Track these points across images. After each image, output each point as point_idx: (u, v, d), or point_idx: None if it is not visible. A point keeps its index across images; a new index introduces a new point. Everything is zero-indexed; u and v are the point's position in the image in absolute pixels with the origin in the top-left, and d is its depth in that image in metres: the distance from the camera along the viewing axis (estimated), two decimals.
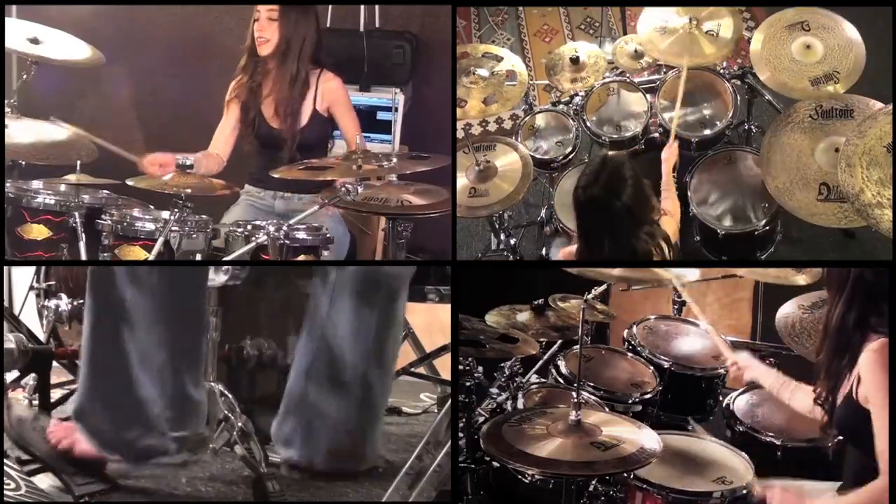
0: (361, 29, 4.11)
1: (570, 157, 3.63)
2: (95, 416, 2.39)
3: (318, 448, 2.64)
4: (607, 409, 2.68)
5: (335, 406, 2.64)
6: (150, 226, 2.79)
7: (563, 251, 2.80)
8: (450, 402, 2.49)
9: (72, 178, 2.94)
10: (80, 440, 2.43)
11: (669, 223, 2.68)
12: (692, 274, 2.93)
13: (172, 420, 2.40)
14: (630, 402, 2.80)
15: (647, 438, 2.15)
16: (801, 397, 2.37)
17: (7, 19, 3.37)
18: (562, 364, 2.92)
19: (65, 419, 2.62)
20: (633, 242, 2.43)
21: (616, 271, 2.62)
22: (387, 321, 2.69)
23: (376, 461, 2.71)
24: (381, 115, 4.04)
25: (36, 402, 2.83)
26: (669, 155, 3.05)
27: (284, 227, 2.77)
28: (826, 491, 2.19)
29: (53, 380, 2.92)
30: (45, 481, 2.41)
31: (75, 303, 2.90)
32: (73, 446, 2.44)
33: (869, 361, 2.02)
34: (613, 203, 2.38)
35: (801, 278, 2.97)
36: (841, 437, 2.34)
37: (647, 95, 3.61)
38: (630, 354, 3.04)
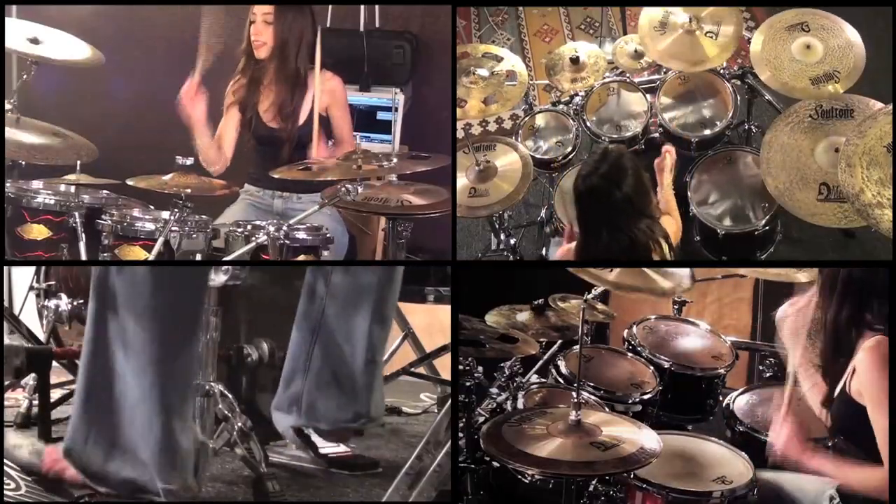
0: (361, 29, 4.11)
1: (570, 156, 3.63)
2: (86, 457, 2.35)
3: (321, 409, 2.71)
4: (607, 409, 2.68)
5: (336, 366, 2.73)
6: (150, 226, 2.79)
7: (560, 249, 2.80)
8: (450, 402, 2.49)
9: (72, 178, 2.94)
10: (69, 467, 2.40)
11: (670, 223, 2.68)
12: (686, 281, 2.92)
13: (162, 468, 2.32)
14: (630, 402, 2.80)
15: (647, 438, 2.15)
16: (816, 394, 2.34)
17: (7, 19, 3.37)
18: (562, 364, 2.92)
19: (57, 439, 2.62)
20: (633, 233, 2.43)
21: (611, 277, 2.61)
22: (385, 281, 2.79)
23: (380, 418, 2.79)
24: (381, 115, 4.04)
25: (36, 402, 2.83)
26: (661, 164, 2.92)
27: (284, 227, 2.77)
28: (824, 486, 2.18)
29: (53, 380, 2.92)
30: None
31: (75, 303, 2.90)
32: (63, 473, 2.41)
33: (865, 357, 2.02)
34: (614, 192, 2.39)
35: (803, 276, 2.97)
36: (841, 436, 2.34)
37: (647, 95, 3.61)
38: (630, 354, 3.04)
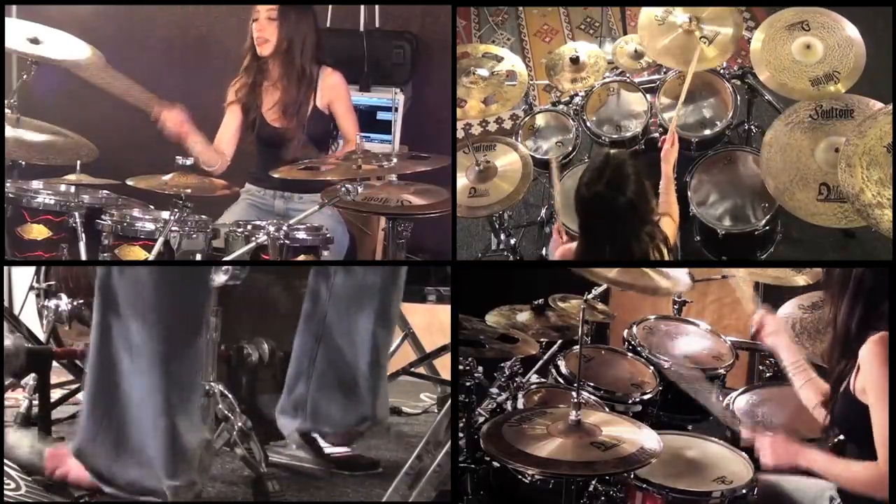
0: (361, 29, 4.12)
1: (571, 157, 3.63)
2: (95, 457, 2.35)
3: (326, 413, 2.72)
4: (607, 409, 2.68)
5: (341, 370, 2.74)
6: (150, 226, 2.79)
7: (560, 249, 2.80)
8: (450, 402, 2.49)
9: (72, 178, 2.94)
10: (74, 468, 2.40)
11: (669, 225, 2.68)
12: (685, 283, 2.92)
13: (168, 465, 2.33)
14: (630, 402, 2.80)
15: (647, 438, 2.15)
16: (810, 389, 2.34)
17: (7, 19, 3.37)
18: (562, 364, 2.92)
19: (59, 439, 2.62)
20: (634, 241, 2.43)
21: (612, 274, 2.61)
22: (389, 285, 2.79)
23: (385, 421, 2.81)
24: (381, 115, 4.04)
25: (36, 403, 2.83)
26: (666, 154, 3.02)
27: (284, 227, 2.77)
28: (825, 488, 2.18)
29: (53, 380, 2.92)
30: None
31: (75, 303, 2.90)
32: (67, 475, 2.41)
33: (868, 353, 2.02)
34: (618, 199, 2.39)
35: (801, 279, 2.97)
36: (842, 437, 2.34)
37: (647, 95, 3.61)
38: (630, 354, 3.04)
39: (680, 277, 2.73)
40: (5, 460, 2.46)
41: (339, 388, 2.78)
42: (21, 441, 2.57)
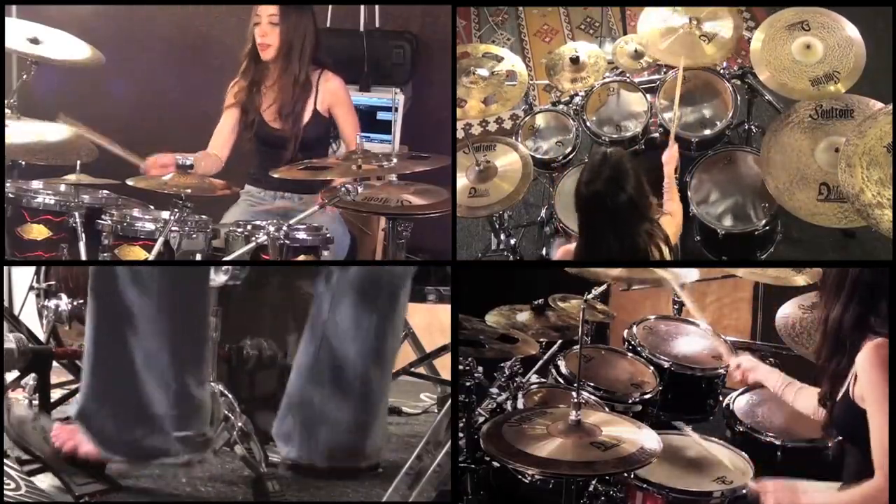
0: (361, 29, 4.11)
1: (570, 157, 3.63)
2: (98, 418, 2.37)
3: (317, 446, 2.64)
4: (607, 409, 2.68)
5: (335, 405, 2.64)
6: (150, 226, 2.79)
7: (561, 250, 2.80)
8: (450, 402, 2.49)
9: (72, 178, 2.93)
10: (84, 442, 2.42)
11: (670, 224, 2.68)
12: (691, 275, 2.94)
13: (176, 419, 2.38)
14: (630, 402, 2.80)
15: (647, 438, 2.15)
16: (805, 398, 2.37)
17: (7, 19, 3.37)
18: (562, 364, 2.92)
19: (65, 419, 2.63)
20: (635, 238, 2.43)
21: (615, 271, 2.62)
22: (387, 319, 2.69)
23: (378, 458, 2.70)
24: (381, 115, 4.04)
25: (36, 402, 2.83)
26: (670, 158, 3.05)
27: (284, 227, 2.77)
28: (824, 490, 2.18)
29: (53, 380, 2.92)
30: (45, 481, 2.41)
31: (75, 303, 2.90)
32: (77, 449, 2.43)
33: (865, 360, 2.02)
34: (618, 196, 2.39)
35: (801, 279, 2.97)
36: (841, 438, 2.34)
37: (647, 95, 3.61)
38: (630, 354, 3.04)
39: (684, 270, 2.75)
40: (8, 454, 2.46)
41: (332, 427, 2.64)
42: (27, 413, 2.57)
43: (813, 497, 2.13)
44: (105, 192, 3.09)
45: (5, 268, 3.33)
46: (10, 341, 2.70)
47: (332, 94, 3.43)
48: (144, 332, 2.36)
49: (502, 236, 3.66)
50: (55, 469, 2.41)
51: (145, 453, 2.41)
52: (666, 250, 2.50)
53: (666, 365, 2.94)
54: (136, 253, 2.77)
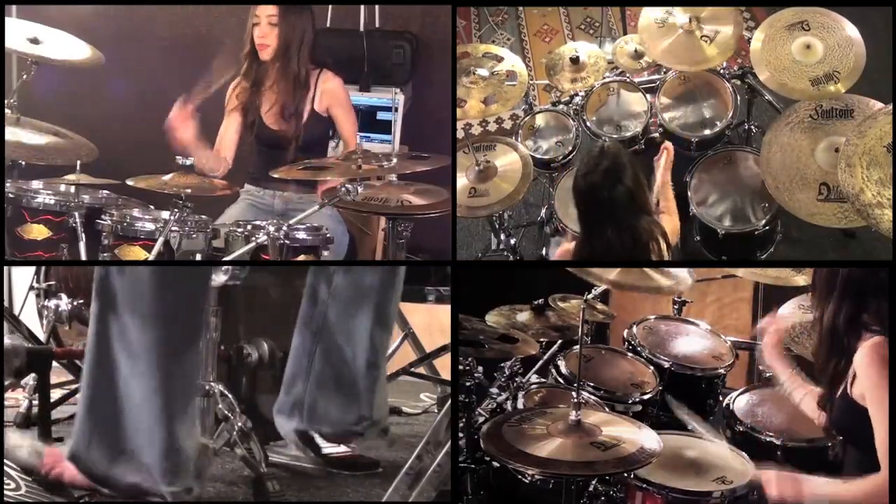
0: (361, 29, 4.12)
1: (570, 157, 3.63)
2: (90, 461, 2.34)
3: (324, 415, 2.71)
4: (607, 409, 2.68)
5: (338, 369, 2.74)
6: (150, 226, 2.79)
7: (560, 249, 2.80)
8: (450, 402, 2.49)
9: (72, 178, 2.94)
10: (69, 469, 2.39)
11: (668, 223, 2.68)
12: (687, 281, 2.92)
13: (165, 472, 2.32)
14: (630, 402, 2.80)
15: (647, 438, 2.15)
16: (811, 401, 2.34)
17: (7, 19, 3.37)
18: (562, 364, 2.92)
19: (58, 439, 2.62)
20: (635, 229, 2.43)
21: (612, 276, 2.61)
22: (386, 285, 2.78)
23: (384, 423, 2.79)
24: (381, 115, 4.04)
25: (36, 402, 2.83)
26: (666, 161, 2.95)
27: (284, 227, 2.77)
28: (827, 482, 2.18)
29: (53, 380, 2.92)
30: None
31: (75, 303, 2.90)
32: (63, 474, 2.40)
33: (864, 358, 2.02)
34: (616, 187, 2.39)
35: (801, 279, 2.97)
36: (842, 438, 2.34)
37: (647, 95, 3.61)
38: (630, 354, 3.04)
39: (682, 277, 2.74)
40: (5, 460, 2.46)
41: (337, 388, 2.77)
42: (21, 441, 2.57)
43: (816, 488, 2.12)
44: (105, 192, 3.09)
45: (5, 268, 3.34)
46: (10, 341, 2.70)
47: (330, 94, 3.43)
48: (139, 370, 2.30)
49: (502, 236, 3.66)
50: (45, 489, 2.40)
51: (136, 493, 2.35)
52: (664, 246, 2.49)
53: (666, 365, 2.94)
54: (136, 253, 2.77)
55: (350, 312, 2.77)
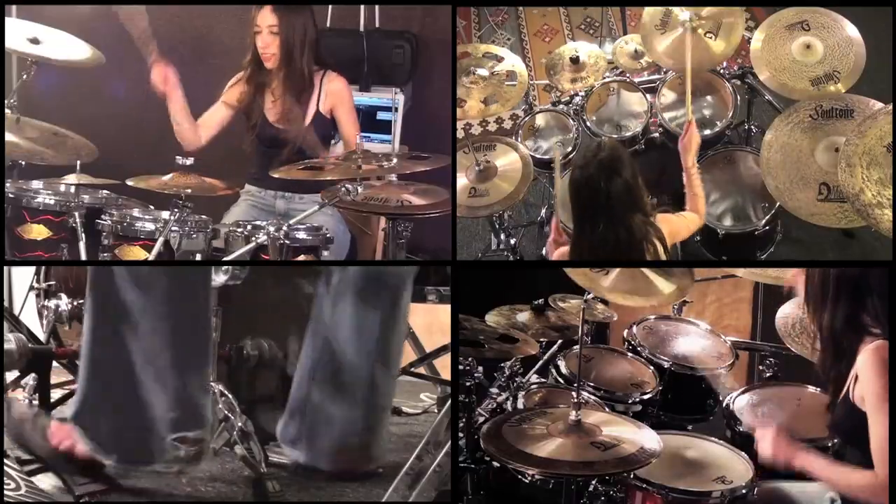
0: (361, 29, 4.11)
1: (570, 157, 3.63)
2: (95, 420, 2.37)
3: (323, 449, 2.64)
4: (607, 409, 2.68)
5: (340, 407, 2.64)
6: (150, 226, 2.80)
7: (558, 251, 2.80)
8: (450, 402, 2.49)
9: (72, 178, 2.94)
10: (80, 441, 2.43)
11: (694, 221, 2.71)
12: (683, 291, 2.91)
13: (174, 422, 2.37)
14: (630, 402, 2.80)
15: (647, 438, 2.16)
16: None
17: (7, 19, 3.37)
18: (562, 364, 2.92)
19: (62, 419, 2.63)
20: (629, 226, 2.41)
21: (608, 281, 2.61)
22: (390, 320, 2.69)
23: (383, 461, 2.70)
24: (381, 115, 4.04)
25: (36, 402, 2.83)
26: (688, 142, 2.89)
27: (284, 227, 2.77)
28: (825, 490, 2.18)
29: (53, 380, 2.92)
30: (45, 481, 2.41)
31: (75, 303, 2.90)
32: (74, 447, 2.43)
33: (865, 361, 2.02)
34: (612, 180, 2.38)
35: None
36: (843, 442, 2.34)
37: (647, 95, 3.61)
38: (630, 354, 3.04)
39: (682, 278, 2.74)
40: (8, 454, 2.47)
41: (338, 430, 2.65)
42: (26, 416, 2.57)
43: (808, 462, 2.11)
44: (105, 192, 3.09)
45: (5, 268, 3.33)
46: (10, 341, 2.70)
47: (334, 94, 3.43)
48: (144, 332, 2.35)
49: (502, 236, 3.66)
50: (55, 468, 2.41)
51: (139, 456, 2.40)
52: (661, 249, 2.48)
53: (666, 365, 2.94)
54: (136, 253, 2.77)
55: (352, 350, 2.65)
